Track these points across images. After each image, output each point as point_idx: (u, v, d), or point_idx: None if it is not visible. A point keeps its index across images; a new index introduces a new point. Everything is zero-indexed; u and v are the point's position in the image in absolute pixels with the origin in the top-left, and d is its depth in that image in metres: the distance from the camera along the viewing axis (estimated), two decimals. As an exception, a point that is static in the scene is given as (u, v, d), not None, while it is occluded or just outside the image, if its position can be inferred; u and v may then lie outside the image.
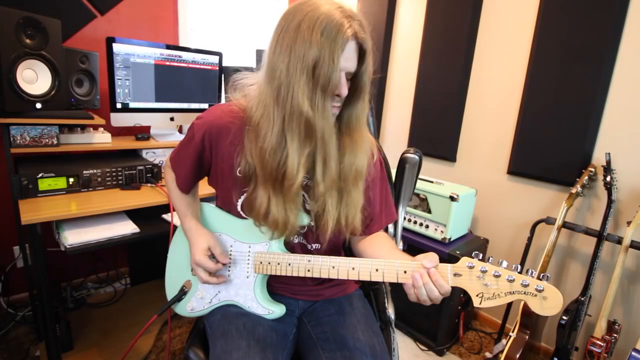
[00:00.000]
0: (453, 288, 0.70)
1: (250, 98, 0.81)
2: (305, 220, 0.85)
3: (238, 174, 0.83)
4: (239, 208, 0.88)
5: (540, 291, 0.64)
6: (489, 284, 0.67)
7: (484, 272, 0.67)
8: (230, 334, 0.79)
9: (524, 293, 0.65)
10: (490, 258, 0.69)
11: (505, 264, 0.67)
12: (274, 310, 0.86)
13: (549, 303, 0.64)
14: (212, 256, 0.86)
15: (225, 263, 0.86)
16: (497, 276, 0.66)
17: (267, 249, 0.86)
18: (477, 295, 0.68)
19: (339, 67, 0.69)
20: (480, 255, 0.69)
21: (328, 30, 0.67)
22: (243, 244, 0.89)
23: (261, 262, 0.85)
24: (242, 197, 0.86)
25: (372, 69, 0.75)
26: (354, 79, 0.75)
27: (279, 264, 0.83)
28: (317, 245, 0.92)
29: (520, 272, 0.66)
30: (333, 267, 0.78)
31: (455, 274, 0.69)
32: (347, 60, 0.71)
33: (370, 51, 0.73)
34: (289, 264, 0.82)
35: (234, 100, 0.86)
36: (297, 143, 0.72)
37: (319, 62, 0.67)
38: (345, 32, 0.67)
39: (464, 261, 0.69)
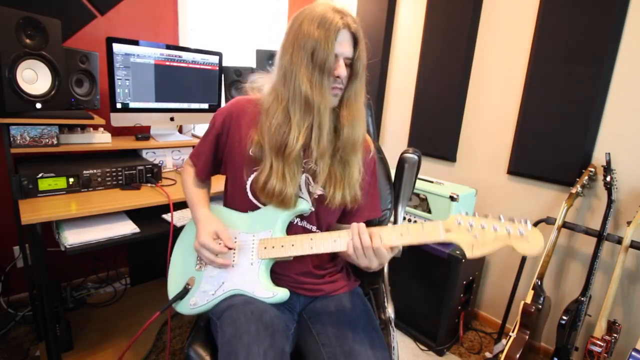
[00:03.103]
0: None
1: (264, 92, 0.95)
2: (305, 206, 0.92)
3: (250, 153, 0.92)
4: (248, 187, 0.94)
5: (522, 234, 0.71)
6: (477, 235, 0.74)
7: (471, 225, 0.74)
8: (239, 320, 0.80)
9: (509, 238, 0.72)
10: (476, 213, 0.76)
11: (490, 215, 0.75)
12: (278, 292, 0.87)
13: (532, 244, 0.70)
14: (219, 240, 0.91)
15: (231, 247, 0.90)
16: (484, 227, 0.74)
17: (271, 235, 0.90)
18: (468, 247, 0.74)
19: (333, 50, 0.83)
20: (468, 212, 0.78)
21: (322, 23, 0.83)
22: (247, 234, 0.93)
23: (265, 247, 0.89)
24: (252, 176, 0.93)
25: (364, 55, 0.89)
26: (351, 65, 0.88)
27: (282, 246, 0.88)
28: (314, 227, 0.97)
29: (503, 221, 0.74)
30: (335, 241, 0.83)
31: (446, 230, 0.76)
32: (342, 46, 0.85)
33: (361, 40, 0.87)
34: (292, 245, 0.87)
35: (251, 94, 1.00)
36: (298, 116, 0.86)
37: (316, 48, 0.82)
38: (337, 23, 0.83)
39: (454, 218, 0.76)
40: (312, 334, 0.90)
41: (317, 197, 0.94)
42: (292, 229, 0.95)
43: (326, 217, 0.97)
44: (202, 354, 0.89)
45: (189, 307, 0.93)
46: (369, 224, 1.02)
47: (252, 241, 0.92)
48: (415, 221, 1.87)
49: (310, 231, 0.96)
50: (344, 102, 0.91)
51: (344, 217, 1.02)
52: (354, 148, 0.93)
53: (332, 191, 0.91)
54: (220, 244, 0.90)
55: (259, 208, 0.95)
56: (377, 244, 0.78)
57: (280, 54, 0.89)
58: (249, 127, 0.94)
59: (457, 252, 1.70)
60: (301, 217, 0.95)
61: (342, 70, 0.85)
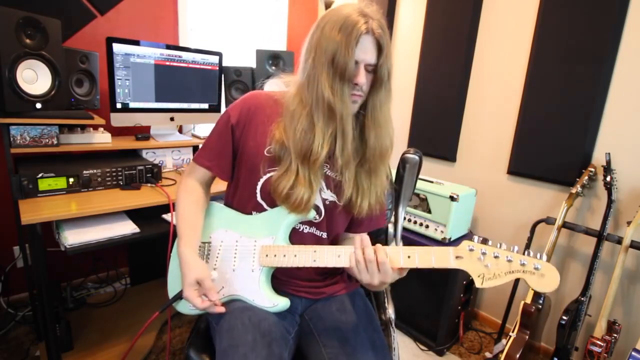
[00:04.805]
0: (455, 270, 0.73)
1: (289, 92, 0.90)
2: (311, 214, 0.88)
3: (267, 153, 0.88)
4: (258, 188, 0.89)
5: (537, 269, 0.67)
6: (489, 265, 0.70)
7: (484, 254, 0.70)
8: (235, 329, 0.79)
9: (523, 272, 0.69)
10: (489, 241, 0.72)
11: (504, 245, 0.71)
12: (279, 302, 0.86)
13: (546, 280, 0.67)
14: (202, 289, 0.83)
15: (213, 300, 0.82)
16: (497, 257, 0.70)
17: (273, 242, 0.87)
18: (478, 276, 0.71)
19: (353, 57, 0.79)
20: (481, 238, 0.72)
21: (345, 27, 0.78)
22: (249, 239, 0.90)
23: (267, 255, 0.86)
24: (265, 177, 0.88)
25: (390, 63, 0.84)
26: (375, 72, 0.83)
27: (284, 255, 0.84)
28: (324, 233, 0.94)
29: (517, 252, 0.70)
30: (339, 256, 0.80)
31: (457, 257, 0.72)
32: (363, 52, 0.80)
33: (386, 46, 0.81)
34: (295, 255, 0.83)
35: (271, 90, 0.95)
36: (322, 123, 0.83)
37: (336, 54, 0.78)
38: (359, 28, 0.78)
39: (465, 244, 0.72)
40: (313, 335, 0.89)
41: (328, 203, 0.90)
42: (299, 236, 0.91)
43: (336, 224, 0.94)
44: (203, 355, 0.89)
45: (188, 307, 0.92)
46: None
47: (253, 246, 0.88)
48: (415, 221, 1.87)
49: (319, 237, 0.93)
50: (369, 110, 0.86)
51: (351, 226, 1.00)
52: (381, 158, 0.89)
53: (360, 201, 0.89)
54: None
55: (262, 209, 0.91)
56: (382, 258, 0.74)
57: (304, 56, 0.85)
58: (267, 124, 0.89)
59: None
60: (310, 223, 0.91)
61: (361, 78, 0.81)
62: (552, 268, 0.67)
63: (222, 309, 0.84)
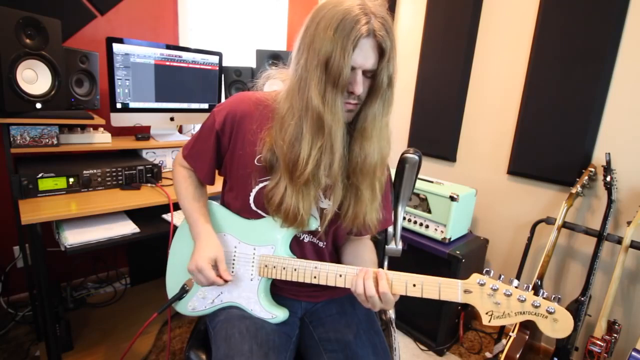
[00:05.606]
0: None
1: (281, 93, 0.82)
2: (313, 225, 0.85)
3: (257, 162, 0.83)
4: (251, 198, 0.86)
5: (551, 313, 0.63)
6: (499, 303, 0.66)
7: (494, 290, 0.67)
8: (233, 338, 0.78)
9: (535, 314, 0.64)
10: (502, 276, 0.68)
11: (516, 282, 0.67)
12: (278, 314, 0.85)
13: (560, 325, 0.63)
14: (215, 267, 0.84)
15: (227, 280, 0.83)
16: (508, 295, 0.66)
17: (272, 252, 0.85)
18: (486, 313, 0.67)
19: (349, 63, 0.69)
20: (492, 272, 0.69)
21: (342, 26, 0.68)
22: (248, 245, 0.88)
23: (266, 266, 0.84)
24: (257, 187, 0.84)
25: (393, 68, 0.76)
26: (374, 77, 0.75)
27: (284, 268, 0.82)
28: (324, 243, 0.92)
29: (531, 292, 0.66)
30: (340, 276, 0.78)
31: (465, 291, 0.69)
32: (362, 57, 0.71)
33: (389, 50, 0.72)
34: (295, 269, 0.81)
35: (261, 91, 0.88)
36: (309, 135, 0.74)
37: (331, 58, 0.69)
38: (359, 29, 0.68)
39: (475, 277, 0.68)
40: (314, 339, 0.88)
41: (326, 212, 0.85)
42: (299, 244, 0.89)
43: (336, 233, 0.92)
44: (203, 357, 0.88)
45: (188, 309, 0.92)
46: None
47: (252, 254, 0.87)
48: (415, 221, 1.87)
49: (317, 246, 0.91)
50: (359, 120, 0.78)
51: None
52: (365, 174, 0.81)
53: (345, 214, 0.83)
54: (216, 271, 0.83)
55: (259, 216, 0.87)
56: (384, 289, 0.71)
57: (296, 55, 0.76)
58: (257, 132, 0.82)
59: (457, 252, 1.70)
60: (309, 232, 0.88)
61: (358, 87, 0.72)
62: (566, 313, 0.63)
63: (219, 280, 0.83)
